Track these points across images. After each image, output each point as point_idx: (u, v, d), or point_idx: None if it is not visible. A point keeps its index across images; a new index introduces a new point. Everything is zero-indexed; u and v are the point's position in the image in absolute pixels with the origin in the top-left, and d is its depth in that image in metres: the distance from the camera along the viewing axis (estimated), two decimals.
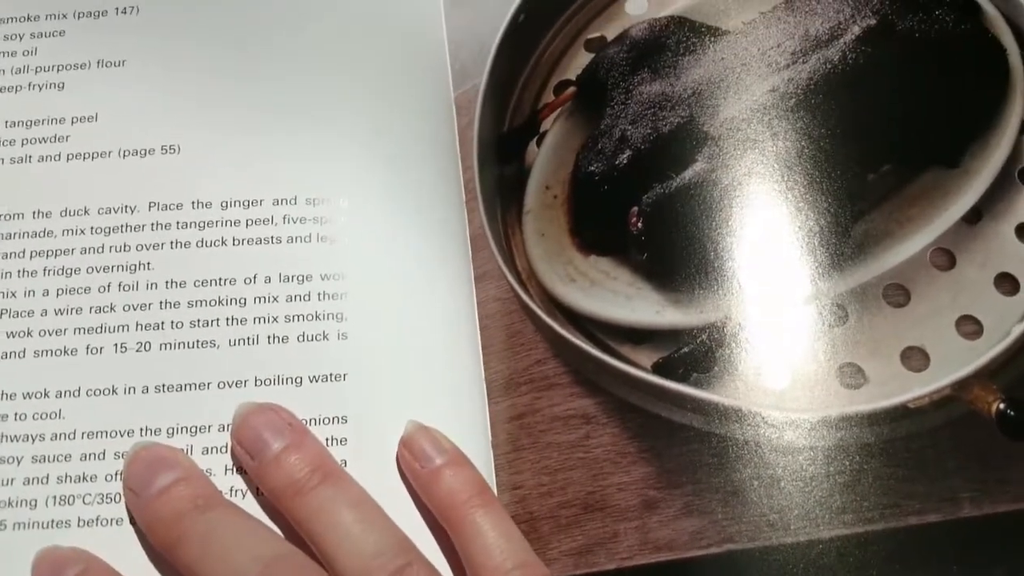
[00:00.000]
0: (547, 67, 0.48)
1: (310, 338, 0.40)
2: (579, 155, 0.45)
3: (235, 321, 0.40)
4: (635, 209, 0.43)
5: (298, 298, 0.41)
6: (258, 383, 0.39)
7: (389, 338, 0.41)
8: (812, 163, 0.43)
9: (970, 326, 0.41)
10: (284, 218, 0.42)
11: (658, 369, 0.41)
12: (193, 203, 0.42)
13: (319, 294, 0.41)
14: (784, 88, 0.44)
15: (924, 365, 0.40)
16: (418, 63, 0.48)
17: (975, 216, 0.43)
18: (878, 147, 0.43)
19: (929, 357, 0.40)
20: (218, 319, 0.40)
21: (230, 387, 0.39)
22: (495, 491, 0.39)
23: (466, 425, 0.40)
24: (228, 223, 0.42)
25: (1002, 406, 0.39)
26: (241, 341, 0.40)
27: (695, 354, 0.41)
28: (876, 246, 0.42)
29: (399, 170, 0.45)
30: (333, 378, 0.40)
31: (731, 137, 0.43)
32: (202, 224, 0.42)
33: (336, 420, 0.39)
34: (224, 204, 0.42)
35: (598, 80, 0.46)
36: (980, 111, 0.44)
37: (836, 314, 0.41)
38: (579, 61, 0.48)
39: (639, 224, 0.43)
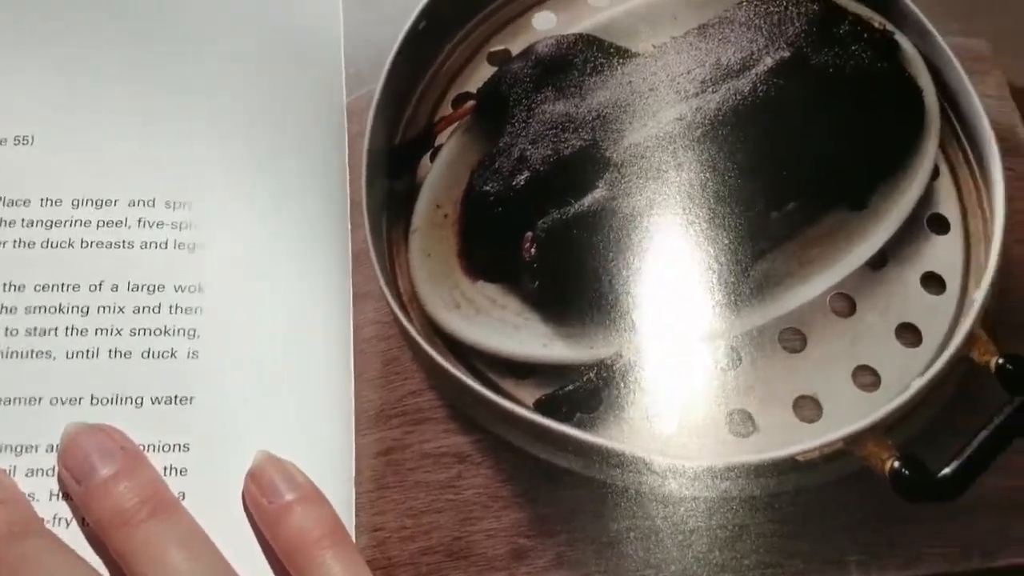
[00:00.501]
0: (447, 78, 0.46)
1: (156, 355, 0.37)
2: (474, 173, 0.43)
3: (75, 331, 0.36)
4: (529, 234, 0.40)
5: (147, 310, 0.37)
6: (95, 401, 0.35)
7: (246, 359, 0.37)
8: (715, 197, 0.41)
9: (867, 377, 0.39)
10: (139, 221, 0.38)
11: (540, 407, 0.38)
12: (42, 200, 0.38)
13: (171, 307, 0.37)
14: (691, 117, 0.42)
15: (817, 415, 0.38)
16: (309, 62, 0.44)
17: (880, 261, 0.41)
18: (784, 184, 0.41)
19: (822, 407, 0.38)
20: (56, 328, 0.36)
21: (63, 404, 0.35)
22: (352, 533, 0.35)
23: (328, 459, 0.37)
24: (78, 223, 0.38)
25: (897, 464, 0.37)
26: (80, 354, 0.36)
27: (581, 392, 0.38)
28: (775, 287, 0.40)
29: (279, 175, 0.42)
30: (178, 400, 0.36)
31: (634, 164, 0.41)
32: (49, 223, 0.38)
33: (177, 447, 0.35)
34: (75, 203, 0.38)
35: (500, 95, 0.44)
36: (892, 152, 0.43)
37: (729, 357, 0.39)
38: (481, 74, 0.45)
39: (532, 250, 0.40)
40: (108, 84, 0.41)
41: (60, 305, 0.37)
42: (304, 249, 0.41)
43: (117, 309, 0.37)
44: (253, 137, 0.42)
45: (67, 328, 0.36)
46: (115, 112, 0.41)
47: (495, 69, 0.45)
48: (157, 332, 0.37)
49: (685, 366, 0.39)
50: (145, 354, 0.36)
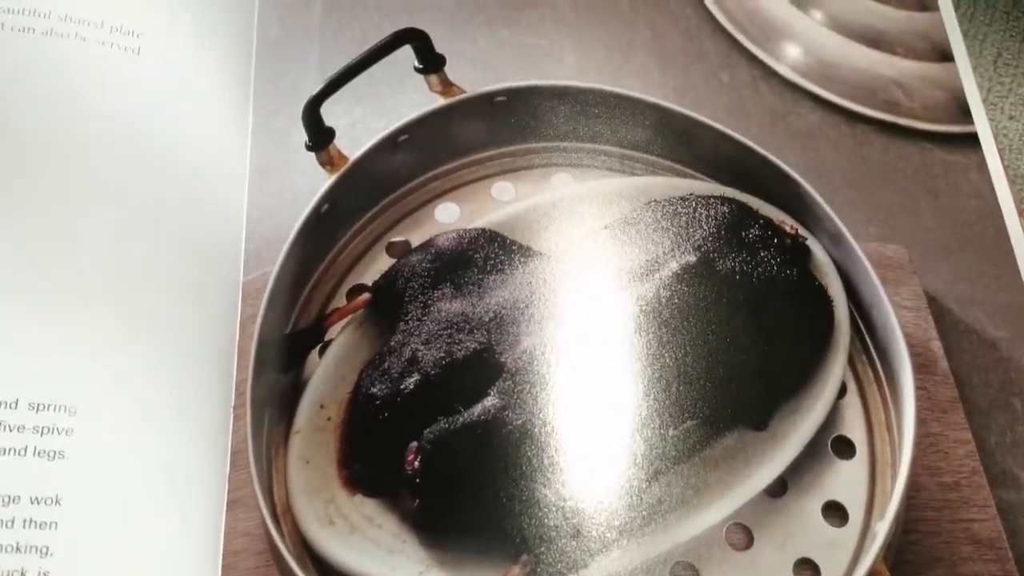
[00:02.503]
0: (343, 266, 0.44)
1: (6, 574, 0.34)
2: (362, 373, 0.40)
3: None
4: (414, 445, 0.38)
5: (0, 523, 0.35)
6: None
7: None
8: (610, 411, 0.39)
9: None
10: (1, 425, 0.36)
11: None
12: None
13: (25, 521, 0.35)
14: (591, 322, 0.40)
15: None
16: (208, 236, 0.43)
17: (780, 488, 0.39)
18: (682, 400, 0.39)
19: None
20: None
21: None
22: None
23: None
24: None
25: None
26: None
27: None
28: (669, 514, 0.38)
29: (163, 365, 0.39)
30: None
31: (528, 372, 0.39)
32: None
33: None
34: None
35: (395, 290, 0.42)
36: (796, 368, 0.41)
37: None
38: (379, 265, 0.44)
39: (416, 463, 0.38)
40: None
41: None
42: (182, 448, 0.38)
43: None
44: (138, 319, 0.39)
45: None
46: None
47: (393, 261, 0.43)
48: (9, 549, 0.34)
49: None
50: None
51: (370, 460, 0.39)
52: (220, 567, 0.37)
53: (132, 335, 0.40)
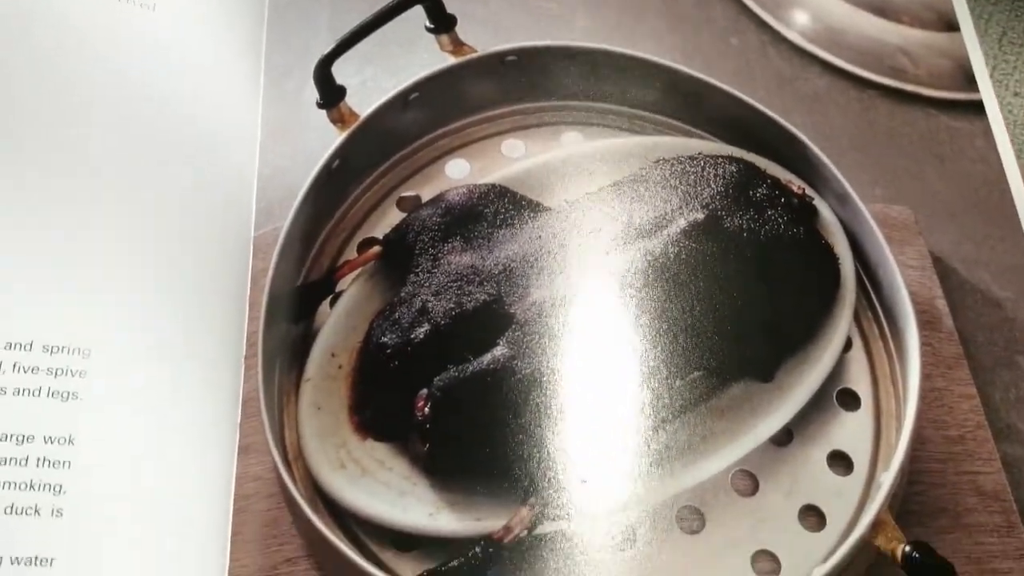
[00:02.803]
0: (354, 221, 0.44)
1: (19, 511, 0.34)
2: (373, 323, 0.41)
3: None
4: (424, 392, 0.38)
5: (12, 461, 0.35)
6: None
7: (114, 521, 0.35)
8: (617, 361, 0.39)
9: (767, 563, 0.37)
10: (14, 366, 0.36)
11: None
12: None
13: (39, 459, 0.35)
14: (599, 277, 0.41)
15: None
16: (219, 193, 0.43)
17: (785, 437, 0.40)
18: (688, 352, 0.40)
19: None
20: None
21: None
22: None
23: None
24: None
25: None
26: None
27: (465, 569, 0.36)
28: (675, 462, 0.38)
29: (176, 313, 0.40)
30: (38, 562, 0.34)
31: (537, 323, 0.40)
32: None
33: None
34: None
35: (406, 243, 0.42)
36: (803, 323, 0.42)
37: (625, 536, 0.37)
38: (389, 219, 0.44)
39: (426, 409, 0.38)
40: None
41: None
42: (195, 394, 0.39)
43: None
44: (152, 269, 0.40)
45: None
46: None
47: (404, 215, 0.44)
48: (22, 486, 0.35)
49: (577, 544, 0.37)
50: (7, 510, 0.34)
51: (381, 406, 0.40)
52: (231, 510, 0.38)
53: (143, 283, 0.40)
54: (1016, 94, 0.52)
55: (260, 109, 0.46)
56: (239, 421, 0.40)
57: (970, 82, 0.51)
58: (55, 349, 0.37)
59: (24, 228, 0.39)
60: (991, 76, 0.50)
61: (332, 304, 0.42)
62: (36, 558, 0.34)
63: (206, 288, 0.42)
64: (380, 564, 0.36)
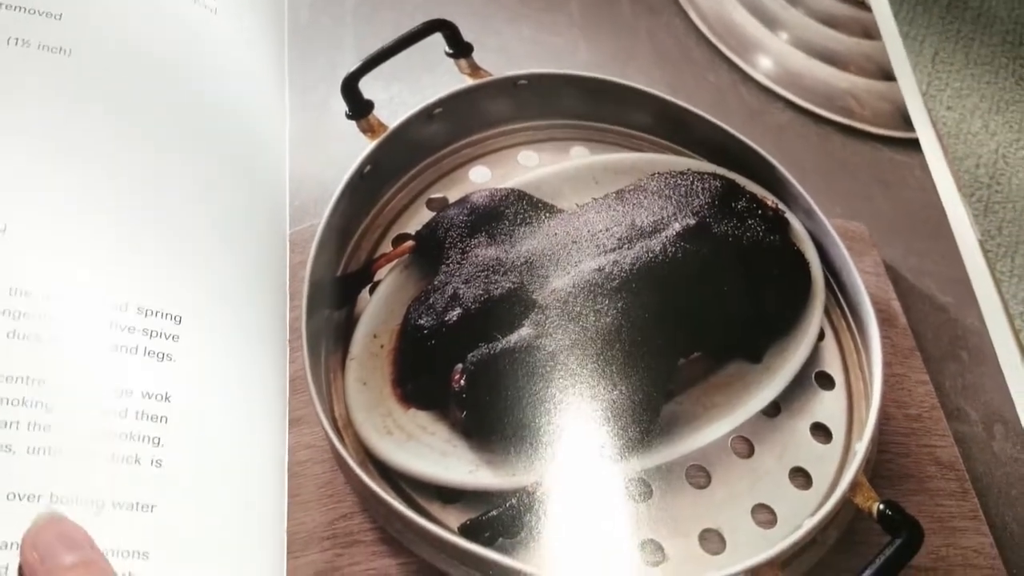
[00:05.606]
0: (387, 219, 0.49)
1: (121, 459, 0.36)
2: (410, 308, 0.46)
3: (37, 427, 0.36)
4: (459, 366, 0.43)
5: (114, 413, 0.37)
6: (54, 500, 0.35)
7: (204, 474, 0.38)
8: (629, 342, 0.45)
9: (765, 514, 0.42)
10: (111, 324, 0.38)
11: (465, 531, 0.40)
12: (11, 289, 0.37)
13: (137, 412, 0.37)
14: (609, 269, 0.46)
15: (721, 548, 0.41)
16: (255, 194, 0.47)
17: (774, 410, 0.45)
18: (688, 335, 0.45)
19: (725, 541, 0.41)
20: (19, 421, 0.35)
21: (20, 500, 0.34)
22: None
23: None
24: (47, 318, 0.37)
25: None
26: (42, 450, 0.35)
27: (503, 518, 0.40)
28: (683, 427, 0.44)
29: (226, 299, 0.43)
30: (140, 508, 0.36)
31: (557, 308, 0.45)
32: (17, 314, 0.37)
33: (135, 555, 0.35)
34: (47, 296, 0.37)
35: (437, 237, 0.47)
36: (783, 314, 0.48)
37: (641, 490, 0.42)
38: (420, 217, 0.49)
39: (462, 381, 0.43)
40: (91, 181, 0.41)
41: (24, 399, 0.36)
42: (245, 373, 0.42)
43: (83, 407, 0.36)
44: (205, 257, 0.43)
45: (30, 424, 0.35)
46: (94, 212, 0.40)
47: (433, 214, 0.49)
48: (124, 436, 0.37)
49: (600, 496, 0.41)
50: (110, 457, 0.36)
51: (420, 380, 0.44)
52: (287, 475, 0.41)
53: (206, 274, 0.43)
54: (948, 108, 0.59)
55: (287, 117, 0.50)
56: (287, 397, 0.43)
57: (907, 123, 0.59)
58: (149, 312, 0.39)
59: (125, 202, 0.41)
60: (925, 93, 0.58)
61: (371, 292, 0.47)
62: (139, 504, 0.36)
63: (249, 277, 0.45)
64: (428, 515, 0.40)
